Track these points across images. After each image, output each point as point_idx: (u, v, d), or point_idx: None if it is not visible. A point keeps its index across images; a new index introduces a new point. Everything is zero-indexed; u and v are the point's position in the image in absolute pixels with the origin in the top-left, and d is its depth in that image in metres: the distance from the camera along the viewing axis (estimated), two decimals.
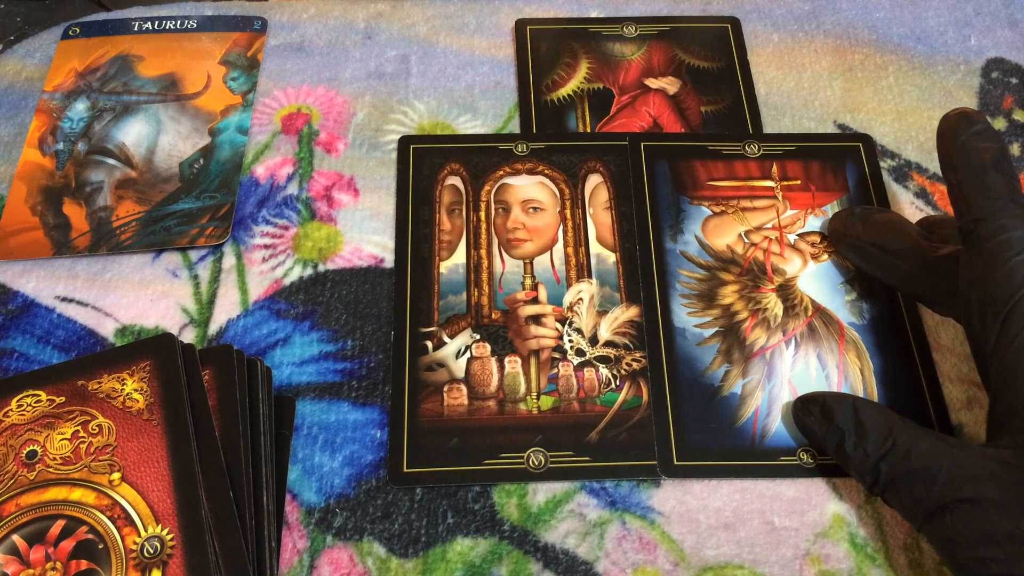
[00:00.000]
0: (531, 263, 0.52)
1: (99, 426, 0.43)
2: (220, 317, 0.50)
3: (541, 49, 0.61)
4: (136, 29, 0.62)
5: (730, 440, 0.46)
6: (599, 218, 0.53)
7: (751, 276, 0.51)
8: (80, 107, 0.58)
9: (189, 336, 0.49)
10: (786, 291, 0.51)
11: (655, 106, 0.59)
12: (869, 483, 0.41)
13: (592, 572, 0.43)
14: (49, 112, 0.58)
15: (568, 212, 0.54)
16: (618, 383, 0.48)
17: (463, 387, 0.48)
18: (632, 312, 0.50)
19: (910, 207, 0.54)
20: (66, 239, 0.53)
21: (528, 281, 0.51)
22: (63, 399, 0.44)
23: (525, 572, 0.43)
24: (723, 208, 0.54)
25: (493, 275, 0.51)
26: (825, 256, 0.52)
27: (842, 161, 0.55)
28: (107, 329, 0.50)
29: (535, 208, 0.54)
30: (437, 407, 0.47)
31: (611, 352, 0.49)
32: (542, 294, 0.51)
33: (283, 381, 0.48)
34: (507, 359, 0.49)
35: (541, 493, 0.45)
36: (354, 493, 0.45)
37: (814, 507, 0.45)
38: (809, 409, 0.44)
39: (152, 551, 0.39)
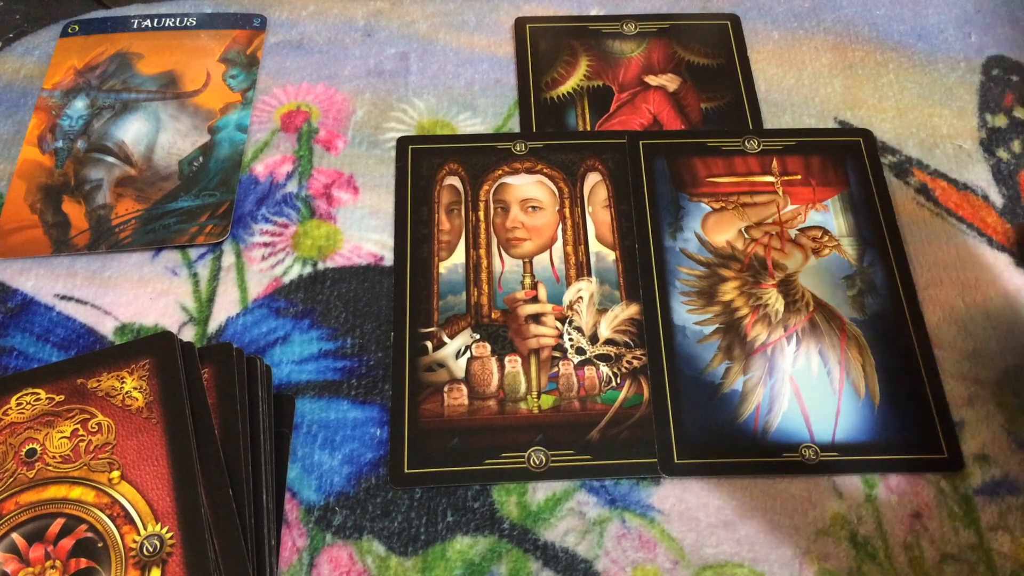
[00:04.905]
0: (530, 262, 0.52)
1: (98, 424, 0.43)
2: (219, 315, 0.50)
3: (541, 47, 0.61)
4: (135, 27, 0.62)
5: (731, 437, 0.46)
6: (598, 216, 0.53)
7: (752, 272, 0.51)
8: (79, 105, 0.58)
9: (188, 334, 0.49)
10: (787, 286, 0.51)
11: (655, 103, 0.58)
12: None
13: (592, 570, 0.43)
14: (48, 110, 0.58)
15: (567, 211, 0.53)
16: (619, 381, 0.48)
17: (463, 387, 0.48)
18: (632, 310, 0.50)
19: (911, 203, 0.54)
20: (65, 237, 0.52)
21: (528, 280, 0.51)
22: (62, 397, 0.44)
23: (524, 570, 0.43)
24: (723, 204, 0.53)
25: (492, 275, 0.51)
26: (827, 251, 0.52)
27: (843, 156, 0.55)
28: (106, 327, 0.50)
29: (534, 207, 0.54)
30: (437, 407, 0.47)
31: (611, 350, 0.49)
32: (542, 293, 0.51)
33: (283, 379, 0.48)
34: (507, 358, 0.48)
35: (541, 491, 0.45)
36: (354, 491, 0.45)
37: (814, 506, 0.44)
38: None
39: (152, 549, 0.39)
